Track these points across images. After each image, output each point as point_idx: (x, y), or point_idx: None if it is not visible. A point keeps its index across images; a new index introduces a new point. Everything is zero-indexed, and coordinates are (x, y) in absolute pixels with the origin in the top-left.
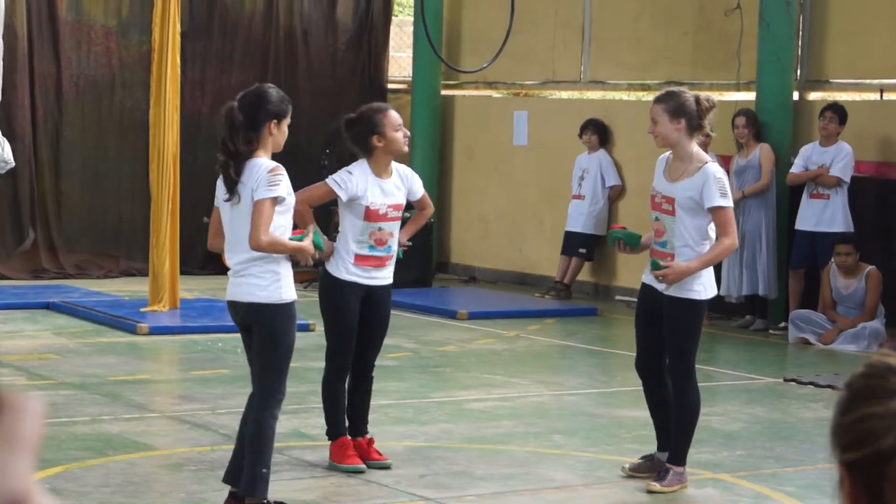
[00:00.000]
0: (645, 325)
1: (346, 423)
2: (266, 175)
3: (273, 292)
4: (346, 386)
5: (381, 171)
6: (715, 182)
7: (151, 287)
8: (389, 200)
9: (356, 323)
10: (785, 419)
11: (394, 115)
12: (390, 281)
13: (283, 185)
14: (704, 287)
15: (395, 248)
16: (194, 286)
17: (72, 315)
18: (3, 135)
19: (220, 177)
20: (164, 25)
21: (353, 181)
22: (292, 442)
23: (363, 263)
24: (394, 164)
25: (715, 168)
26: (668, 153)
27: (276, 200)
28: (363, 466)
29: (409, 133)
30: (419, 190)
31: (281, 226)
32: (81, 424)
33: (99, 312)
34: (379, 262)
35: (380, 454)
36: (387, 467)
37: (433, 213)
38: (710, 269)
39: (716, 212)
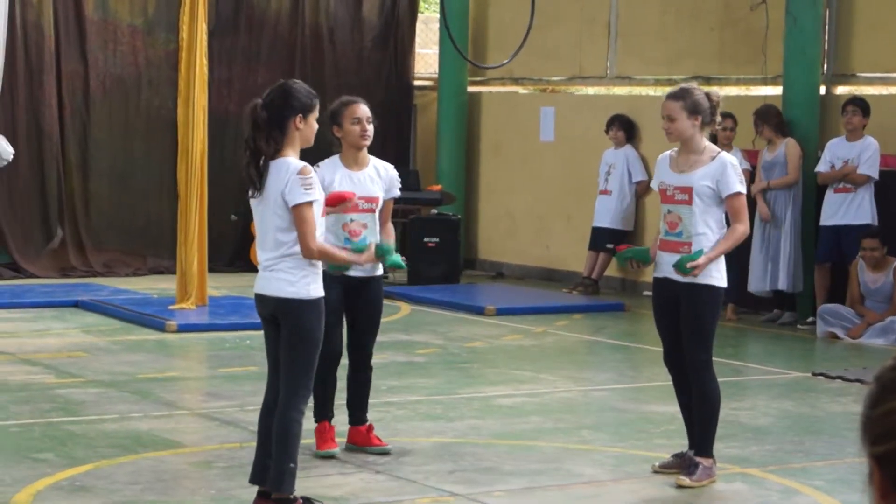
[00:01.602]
0: (666, 319)
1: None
2: (297, 178)
3: (302, 288)
4: (345, 374)
5: (350, 163)
6: (732, 169)
7: (179, 285)
8: (359, 191)
9: (339, 313)
10: (814, 413)
11: (356, 109)
12: (375, 273)
13: (317, 187)
14: (721, 274)
15: (371, 240)
16: (222, 284)
17: (100, 313)
18: (31, 133)
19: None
20: (191, 24)
21: (320, 173)
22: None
23: None
24: (374, 160)
25: (730, 157)
26: (669, 151)
27: (313, 204)
28: (335, 451)
29: (367, 128)
30: (394, 190)
31: (318, 231)
32: (111, 422)
33: (127, 310)
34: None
35: (380, 440)
36: (387, 453)
37: (393, 238)
38: (722, 262)
39: (732, 198)
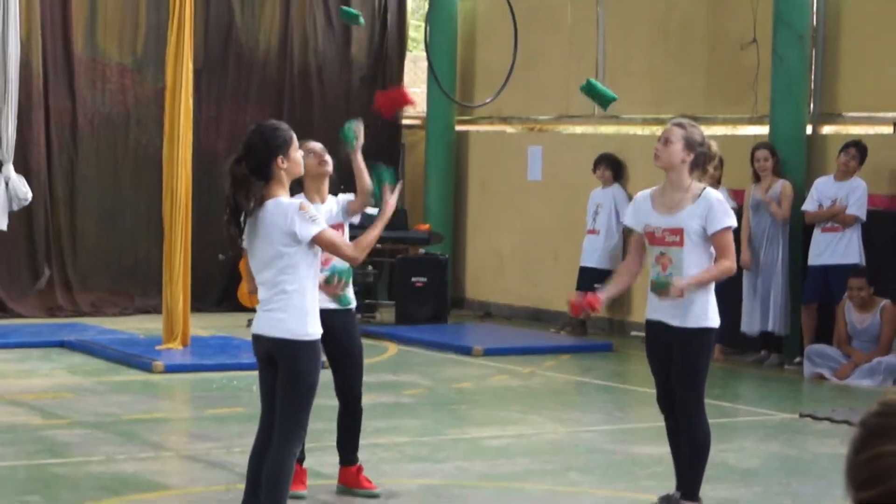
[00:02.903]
0: (658, 361)
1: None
2: (299, 215)
3: (299, 328)
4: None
5: (312, 195)
6: (719, 205)
7: (165, 324)
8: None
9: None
10: (801, 455)
11: (308, 144)
12: (348, 306)
13: (320, 217)
14: (715, 314)
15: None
16: (209, 324)
17: (87, 353)
18: (19, 171)
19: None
20: (177, 63)
21: None
22: (308, 480)
23: None
24: (330, 196)
25: (715, 193)
26: (648, 190)
27: (325, 231)
28: (303, 493)
29: (325, 158)
30: (349, 198)
31: (313, 266)
32: (96, 464)
33: (114, 350)
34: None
35: (369, 482)
36: (376, 496)
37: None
38: (714, 302)
39: (719, 234)
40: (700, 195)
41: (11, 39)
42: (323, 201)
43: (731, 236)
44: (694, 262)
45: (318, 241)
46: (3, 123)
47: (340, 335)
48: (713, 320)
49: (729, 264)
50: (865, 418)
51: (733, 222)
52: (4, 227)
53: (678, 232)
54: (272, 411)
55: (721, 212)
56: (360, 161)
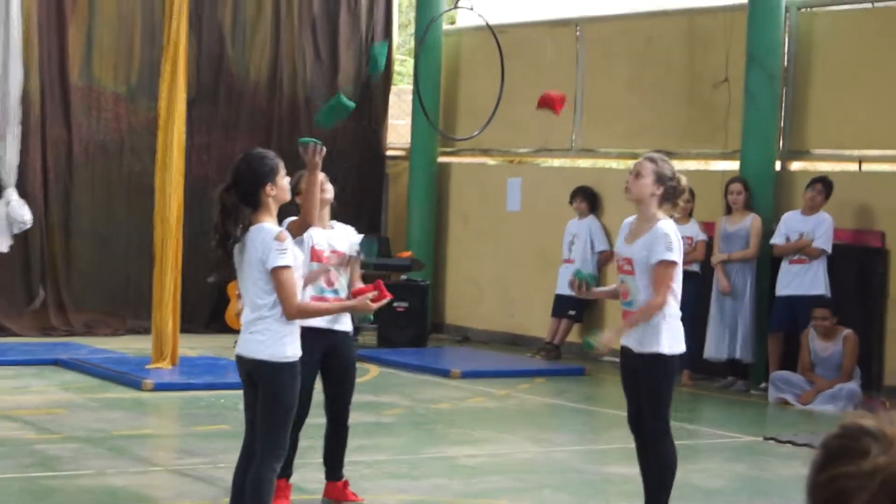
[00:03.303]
0: (629, 383)
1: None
2: (273, 243)
3: (278, 350)
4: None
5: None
6: (663, 238)
7: (155, 345)
8: (330, 248)
9: (314, 377)
10: (764, 476)
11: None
12: (346, 328)
13: (290, 253)
14: (672, 341)
15: (342, 292)
16: (198, 344)
17: (79, 371)
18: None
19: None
20: (170, 94)
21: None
22: (292, 496)
23: None
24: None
25: (666, 225)
26: (630, 219)
27: (287, 268)
28: None
29: (326, 185)
30: (355, 246)
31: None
32: (87, 477)
33: (105, 369)
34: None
35: (355, 496)
36: None
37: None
38: (678, 325)
39: (655, 266)
40: (651, 228)
41: (12, 68)
42: (324, 227)
43: (668, 271)
44: (644, 292)
45: (274, 274)
46: (6, 149)
47: (341, 355)
48: (671, 347)
49: (656, 300)
50: (826, 440)
51: (674, 257)
52: (6, 249)
53: (629, 261)
54: (255, 428)
55: (663, 245)
56: (315, 178)
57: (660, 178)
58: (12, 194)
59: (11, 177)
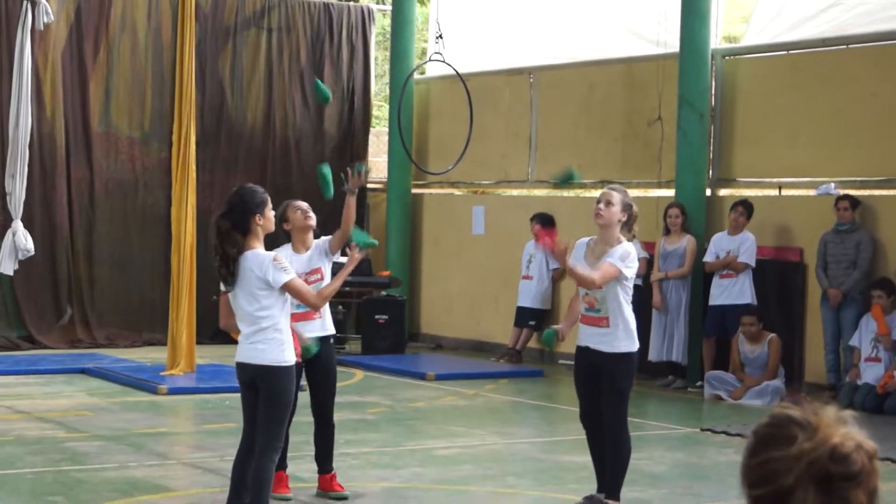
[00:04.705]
0: (583, 381)
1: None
2: (273, 265)
3: (277, 356)
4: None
5: (297, 245)
6: (620, 251)
7: (169, 354)
8: (306, 268)
9: (298, 378)
10: (702, 462)
11: (296, 203)
12: (326, 332)
13: (289, 268)
14: (630, 341)
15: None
16: (205, 354)
17: (103, 378)
18: (45, 227)
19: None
20: (181, 139)
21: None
22: (290, 484)
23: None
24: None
25: (629, 246)
26: (587, 238)
27: (294, 279)
28: (288, 496)
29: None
30: (328, 238)
31: (285, 305)
32: (111, 470)
33: (125, 376)
34: (304, 316)
35: (340, 486)
36: (344, 498)
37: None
38: (633, 330)
39: (605, 263)
40: (616, 246)
41: (22, 113)
42: (307, 250)
43: (612, 270)
44: (612, 300)
45: (286, 288)
46: (16, 185)
47: (323, 361)
48: (629, 346)
49: (594, 277)
50: (757, 428)
51: (624, 270)
52: (11, 272)
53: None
54: (253, 426)
55: (618, 256)
56: (351, 204)
57: (625, 206)
58: (18, 226)
59: (18, 210)
